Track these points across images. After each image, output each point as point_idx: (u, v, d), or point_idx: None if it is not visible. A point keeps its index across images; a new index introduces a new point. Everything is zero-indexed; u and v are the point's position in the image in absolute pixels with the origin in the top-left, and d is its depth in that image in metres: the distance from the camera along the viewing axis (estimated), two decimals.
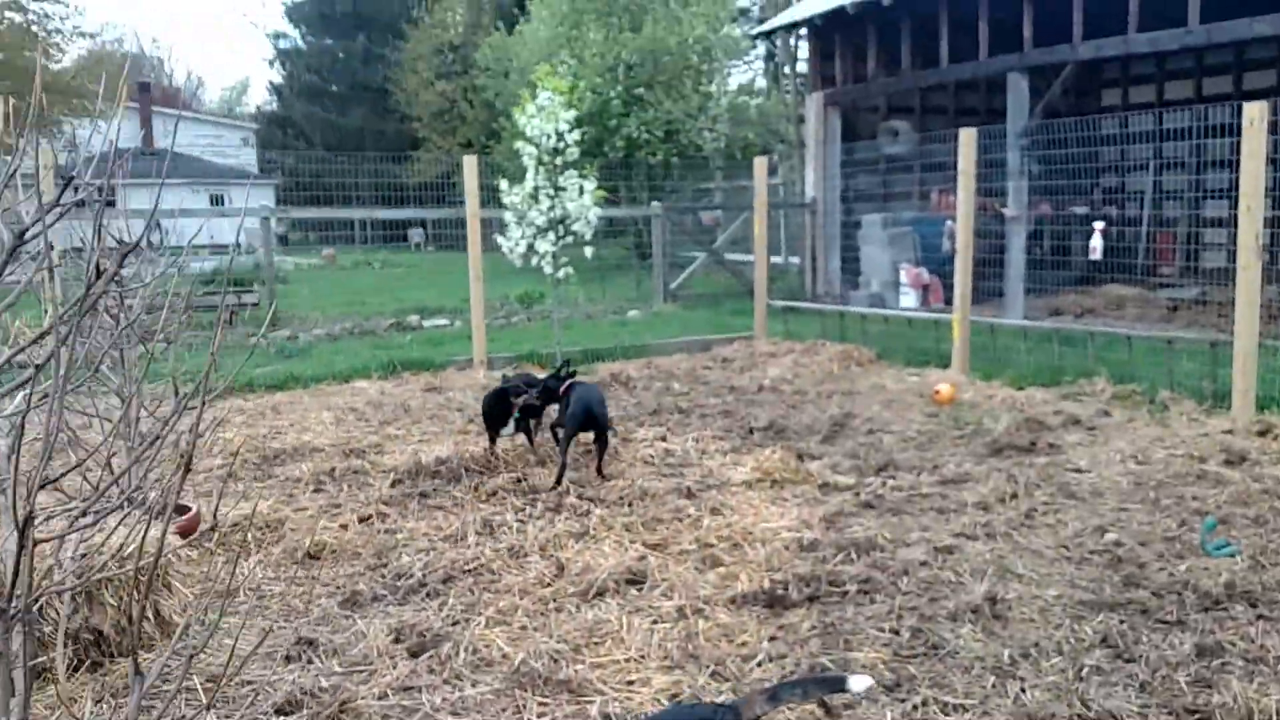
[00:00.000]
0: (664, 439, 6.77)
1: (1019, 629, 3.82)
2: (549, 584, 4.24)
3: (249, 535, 4.98)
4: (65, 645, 3.23)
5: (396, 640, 3.72)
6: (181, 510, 4.11)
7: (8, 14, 28.72)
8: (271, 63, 50.72)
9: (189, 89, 68.39)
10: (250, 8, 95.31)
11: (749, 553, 4.54)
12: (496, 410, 6.41)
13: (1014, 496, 5.44)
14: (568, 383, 6.27)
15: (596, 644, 3.68)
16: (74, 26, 41.81)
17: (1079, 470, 5.98)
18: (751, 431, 7.01)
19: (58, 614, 3.21)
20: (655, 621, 3.85)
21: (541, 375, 6.90)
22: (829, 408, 7.70)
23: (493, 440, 6.40)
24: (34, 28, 28.92)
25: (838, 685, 2.73)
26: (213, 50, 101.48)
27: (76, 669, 3.26)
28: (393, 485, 5.80)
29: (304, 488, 5.86)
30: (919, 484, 5.68)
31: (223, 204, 38.38)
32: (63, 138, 35.58)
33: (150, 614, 3.36)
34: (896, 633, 3.78)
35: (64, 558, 3.23)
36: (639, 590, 4.16)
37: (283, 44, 49.65)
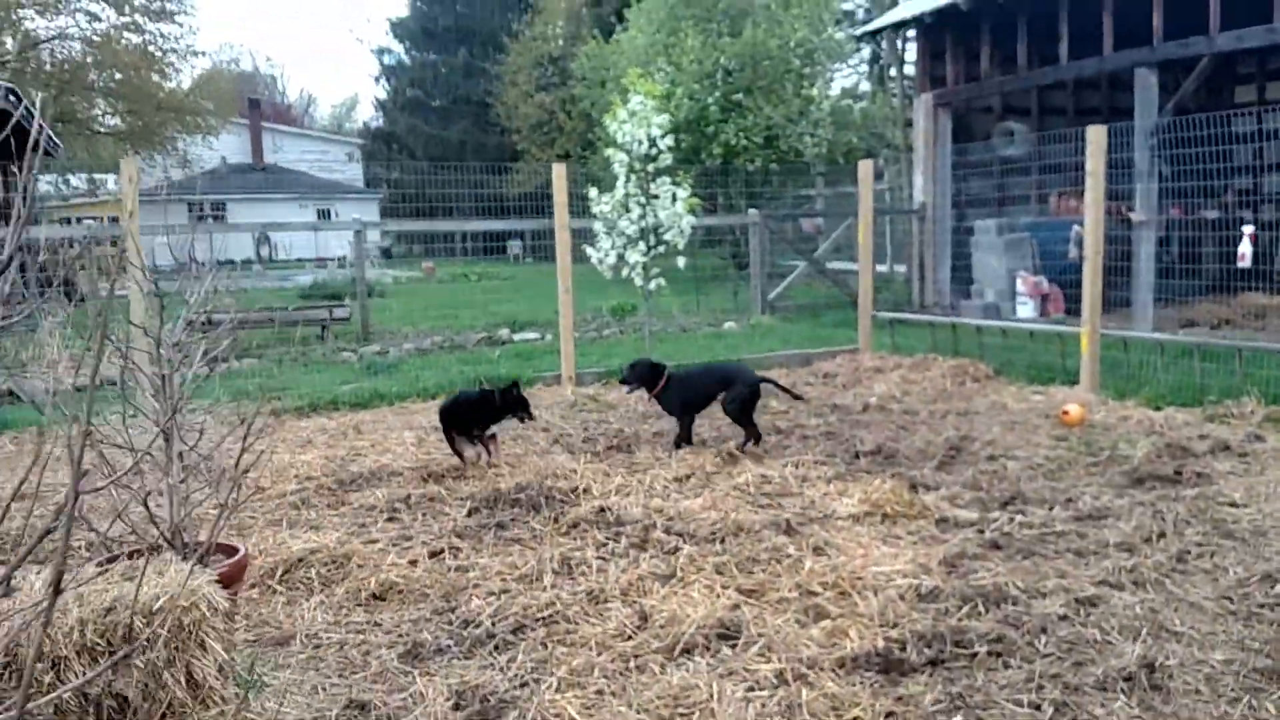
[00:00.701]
0: (760, 463, 6.24)
1: (1184, 704, 3.21)
2: (630, 636, 3.77)
3: (314, 572, 4.65)
4: (80, 714, 2.88)
5: (456, 706, 3.29)
6: (228, 552, 3.77)
7: (126, 35, 29.73)
8: (377, 79, 51.79)
9: (300, 106, 70.44)
10: (357, 24, 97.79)
11: (859, 603, 3.99)
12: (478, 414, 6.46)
13: (1162, 536, 4.77)
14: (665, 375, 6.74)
15: (683, 716, 3.18)
16: (187, 46, 43.24)
17: (1234, 504, 5.26)
18: (858, 456, 6.43)
19: (76, 675, 2.87)
20: (751, 689, 3.34)
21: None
22: (944, 430, 7.06)
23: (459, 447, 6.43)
24: (150, 48, 29.86)
25: None
26: (324, 68, 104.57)
27: None
28: (469, 514, 5.41)
29: (377, 516, 5.51)
30: (1052, 520, 5.03)
31: (329, 219, 39.17)
32: (176, 154, 36.79)
33: (181, 677, 2.99)
34: (1037, 707, 3.20)
35: (79, 616, 2.89)
36: (732, 648, 3.65)
37: (387, 59, 50.65)
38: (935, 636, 3.64)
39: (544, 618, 3.98)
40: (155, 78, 31.20)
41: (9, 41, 27.73)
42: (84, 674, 2.88)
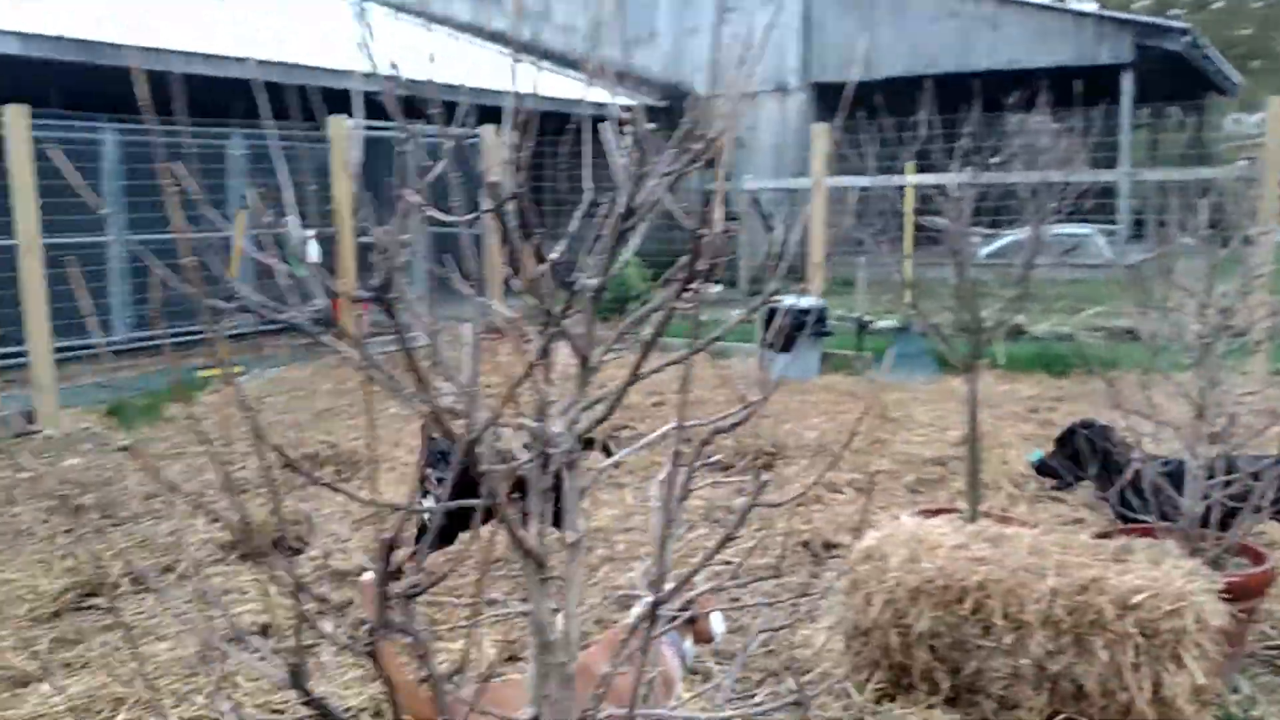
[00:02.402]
0: None
1: None
2: None
3: None
4: (1035, 685, 2.60)
5: None
6: (1255, 558, 3.10)
7: None
8: None
9: None
10: None
11: None
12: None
13: None
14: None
15: None
16: None
17: None
18: None
19: (1036, 645, 2.58)
20: None
21: None
22: None
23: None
24: None
25: None
26: None
27: (1051, 717, 2.62)
28: None
29: None
30: None
31: None
32: None
33: (1146, 686, 2.52)
34: None
35: (1052, 585, 2.58)
36: None
37: None
38: None
39: None
40: None
41: None
42: (1044, 645, 2.61)
